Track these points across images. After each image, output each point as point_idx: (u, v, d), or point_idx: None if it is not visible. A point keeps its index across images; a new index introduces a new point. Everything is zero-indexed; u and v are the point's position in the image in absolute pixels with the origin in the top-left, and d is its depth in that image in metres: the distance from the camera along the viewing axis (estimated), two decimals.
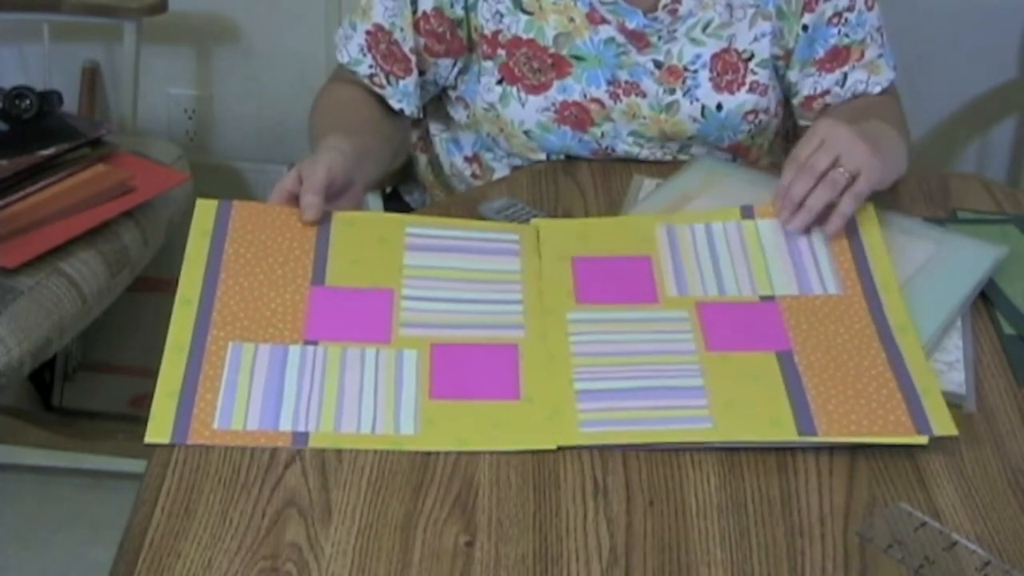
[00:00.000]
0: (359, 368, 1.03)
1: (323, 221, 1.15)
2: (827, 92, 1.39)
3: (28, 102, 1.72)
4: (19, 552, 1.91)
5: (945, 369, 1.08)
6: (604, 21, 1.33)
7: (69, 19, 1.97)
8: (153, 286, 2.14)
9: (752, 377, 1.03)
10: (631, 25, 1.33)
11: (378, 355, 1.04)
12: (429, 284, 1.11)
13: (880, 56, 1.39)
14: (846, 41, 1.37)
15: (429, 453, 0.97)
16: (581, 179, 1.35)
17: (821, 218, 1.16)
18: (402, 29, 1.35)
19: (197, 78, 2.28)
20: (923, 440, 0.99)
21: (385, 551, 0.90)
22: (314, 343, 1.05)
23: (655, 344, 1.06)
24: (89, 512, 1.97)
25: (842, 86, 1.38)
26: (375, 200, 1.66)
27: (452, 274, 1.13)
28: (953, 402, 1.04)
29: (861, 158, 1.16)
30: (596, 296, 1.11)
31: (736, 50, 1.35)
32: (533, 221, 1.21)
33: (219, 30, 2.22)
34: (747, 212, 1.19)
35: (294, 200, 1.15)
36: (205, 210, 1.15)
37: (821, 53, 1.37)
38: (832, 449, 0.99)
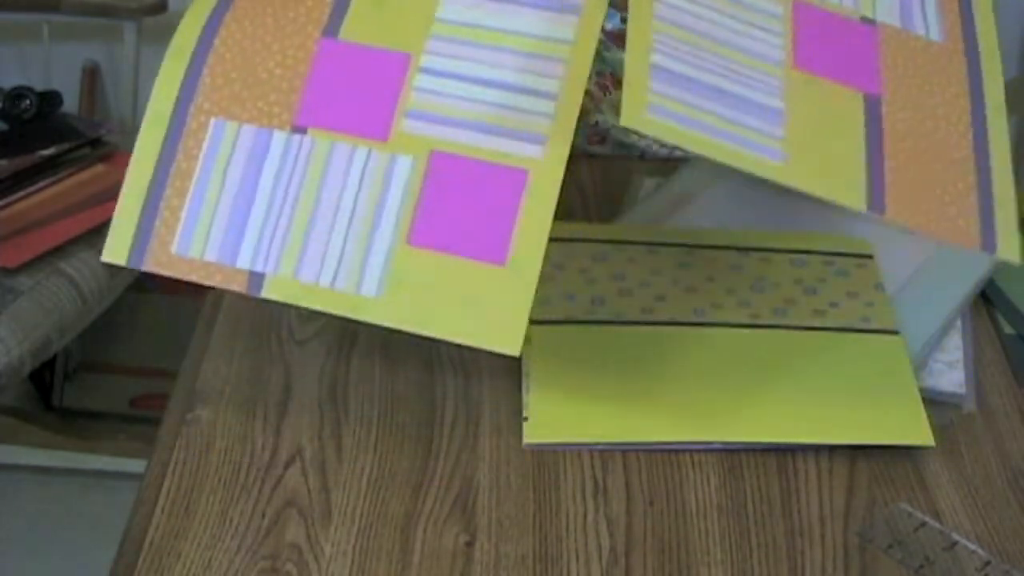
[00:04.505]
0: (342, 177, 0.91)
1: None
2: None
3: (28, 102, 1.72)
4: (19, 552, 1.91)
5: (945, 369, 1.08)
6: None
7: (69, 19, 1.97)
8: (153, 286, 2.14)
9: (834, 119, 0.92)
10: (608, 26, 1.33)
11: (368, 159, 0.91)
12: (455, 50, 0.94)
13: None
14: None
15: (429, 452, 0.97)
16: (581, 178, 1.35)
17: None
18: None
19: None
20: (929, 441, 0.99)
21: (385, 551, 0.90)
22: (302, 131, 0.92)
23: (743, 37, 0.94)
24: (89, 512, 1.97)
25: None
26: None
27: (487, 37, 0.95)
28: (953, 402, 1.05)
29: None
30: None
31: None
32: None
33: None
34: None
35: None
36: None
37: None
38: (832, 449, 0.99)
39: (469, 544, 0.90)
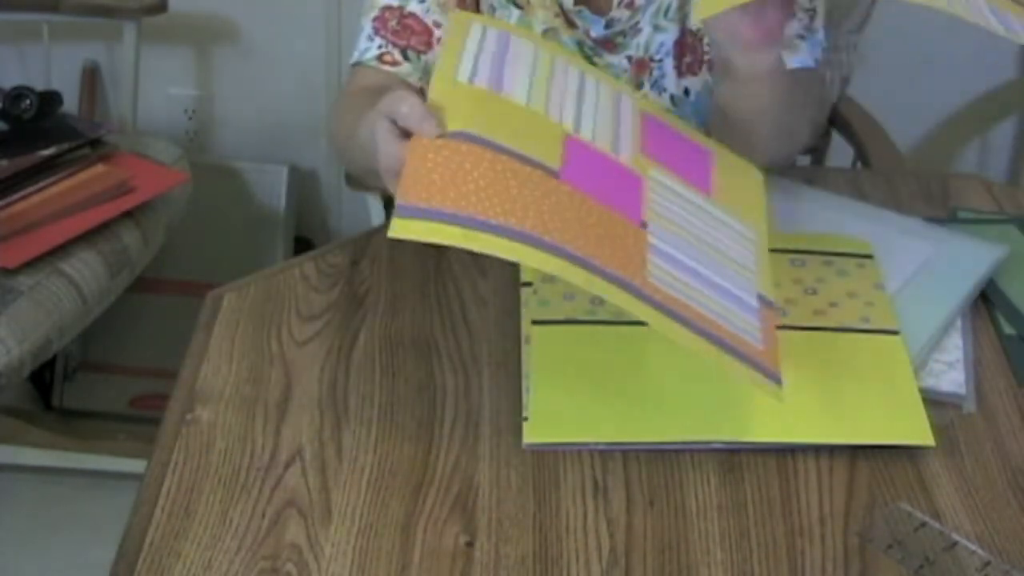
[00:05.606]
0: None
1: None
2: None
3: (28, 102, 1.72)
4: (19, 552, 1.91)
5: (945, 369, 1.08)
6: (574, 25, 1.33)
7: (69, 19, 1.97)
8: (153, 286, 2.14)
9: None
10: (594, 34, 1.33)
11: None
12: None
13: (801, 38, 1.29)
14: None
15: (429, 452, 0.97)
16: None
17: None
18: (422, 0, 1.30)
19: (197, 78, 2.28)
20: (930, 441, 0.99)
21: (385, 551, 0.90)
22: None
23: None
24: (89, 512, 1.97)
25: None
26: (376, 203, 1.66)
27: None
28: (953, 402, 1.04)
29: None
30: None
31: (691, 30, 1.34)
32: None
33: (219, 30, 2.22)
34: None
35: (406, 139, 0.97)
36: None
37: None
38: (832, 449, 0.99)
39: (469, 544, 0.90)
